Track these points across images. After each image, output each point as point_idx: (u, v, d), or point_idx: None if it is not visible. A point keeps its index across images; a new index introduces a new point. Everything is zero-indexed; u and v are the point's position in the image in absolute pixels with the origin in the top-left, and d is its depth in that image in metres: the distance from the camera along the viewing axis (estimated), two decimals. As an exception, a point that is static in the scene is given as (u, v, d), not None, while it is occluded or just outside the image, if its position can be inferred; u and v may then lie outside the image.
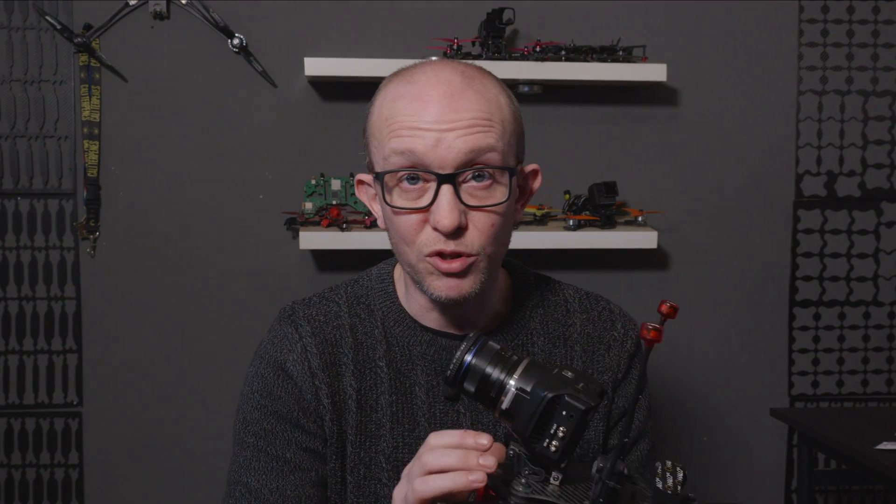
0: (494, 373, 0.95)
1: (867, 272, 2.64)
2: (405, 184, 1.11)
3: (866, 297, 2.64)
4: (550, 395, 0.91)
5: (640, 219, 2.44)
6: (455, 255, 1.10)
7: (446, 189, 1.08)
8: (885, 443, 2.16)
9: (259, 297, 2.42)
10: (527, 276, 1.29)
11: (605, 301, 1.32)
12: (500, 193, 1.12)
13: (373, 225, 2.29)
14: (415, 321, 1.22)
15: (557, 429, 0.90)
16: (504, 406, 0.94)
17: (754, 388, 2.60)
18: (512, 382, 0.94)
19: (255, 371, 1.23)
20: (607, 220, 2.38)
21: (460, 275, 1.11)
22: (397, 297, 1.23)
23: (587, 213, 2.38)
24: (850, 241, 2.62)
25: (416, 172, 1.09)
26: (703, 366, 2.57)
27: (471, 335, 0.97)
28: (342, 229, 2.28)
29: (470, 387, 0.96)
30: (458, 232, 1.09)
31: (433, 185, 1.09)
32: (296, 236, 2.37)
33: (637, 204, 2.51)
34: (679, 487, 0.91)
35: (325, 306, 1.24)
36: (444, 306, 1.18)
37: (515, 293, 1.27)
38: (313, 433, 1.19)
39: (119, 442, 2.41)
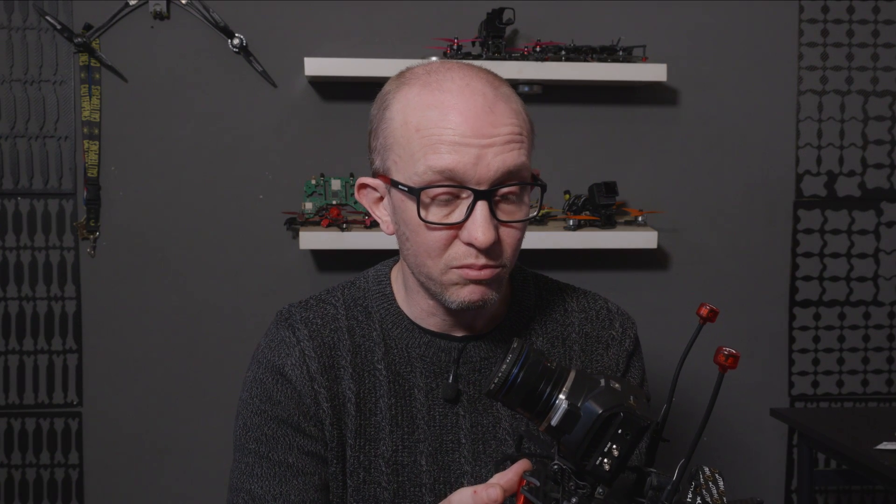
0: (541, 385, 0.90)
1: (867, 272, 2.64)
2: (438, 201, 1.09)
3: (866, 297, 2.64)
4: (606, 412, 0.87)
5: (640, 219, 2.44)
6: (484, 267, 1.10)
7: (482, 205, 1.07)
8: (885, 443, 2.16)
9: (259, 297, 2.42)
10: (525, 276, 1.29)
11: (603, 300, 1.32)
12: (526, 208, 1.12)
13: (373, 225, 2.29)
14: (412, 323, 1.21)
15: (612, 447, 0.86)
16: (554, 423, 0.88)
17: (754, 388, 2.60)
18: (562, 397, 0.89)
19: (254, 376, 1.22)
20: (607, 220, 2.38)
21: (486, 283, 1.11)
22: (395, 299, 1.23)
23: (587, 213, 2.38)
24: (850, 241, 2.62)
25: (455, 190, 1.07)
26: (703, 366, 2.57)
27: (514, 345, 0.92)
28: (342, 229, 2.28)
29: (515, 400, 0.91)
30: (492, 246, 1.09)
31: (467, 201, 1.08)
32: (296, 236, 2.37)
33: (637, 204, 2.51)
34: (724, 498, 0.87)
35: (323, 309, 1.24)
36: (452, 311, 1.17)
37: (514, 294, 1.26)
38: (314, 437, 1.18)
39: (119, 442, 2.41)
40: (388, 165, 1.13)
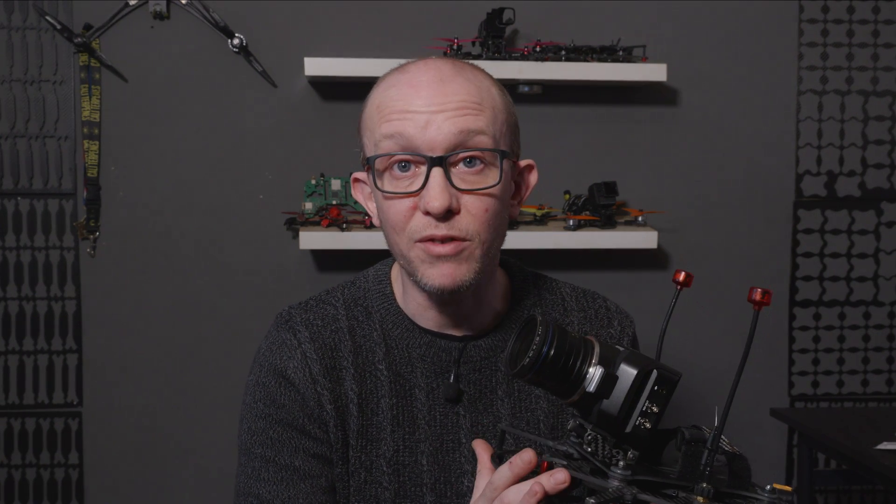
0: (571, 359, 0.90)
1: (867, 272, 2.64)
2: (396, 171, 1.10)
3: (866, 297, 2.64)
4: (642, 371, 0.88)
5: (640, 219, 2.44)
6: (448, 240, 1.09)
7: (437, 172, 1.08)
8: (885, 443, 2.16)
9: (259, 297, 2.42)
10: (524, 274, 1.29)
11: (602, 298, 1.32)
12: (492, 177, 1.11)
13: (373, 225, 2.29)
14: (413, 323, 1.21)
15: (651, 406, 0.87)
16: (592, 389, 0.88)
17: (754, 388, 2.60)
18: (595, 363, 0.89)
19: (256, 380, 1.21)
20: (607, 220, 2.38)
21: (453, 259, 1.10)
22: (395, 299, 1.23)
23: (587, 213, 2.38)
24: (850, 241, 2.62)
25: (406, 156, 1.09)
26: (703, 366, 2.57)
27: (539, 320, 0.91)
28: (342, 229, 2.28)
29: (545, 376, 0.90)
30: (448, 214, 1.08)
31: (424, 170, 1.09)
32: (296, 236, 2.37)
33: (637, 204, 2.51)
34: (734, 447, 0.89)
35: (323, 310, 1.23)
36: (442, 302, 1.17)
37: (513, 292, 1.26)
38: (320, 439, 1.18)
39: (119, 442, 2.41)
40: (364, 152, 1.17)
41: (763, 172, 2.57)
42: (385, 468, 1.18)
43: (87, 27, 2.31)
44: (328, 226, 2.29)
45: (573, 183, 2.44)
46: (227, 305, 2.43)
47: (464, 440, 1.19)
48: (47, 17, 2.30)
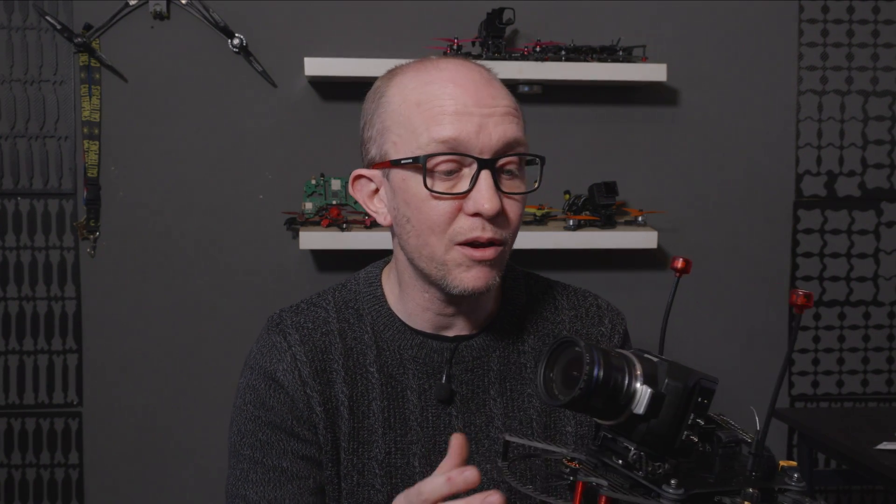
0: (619, 378, 0.85)
1: (867, 272, 2.64)
2: (442, 173, 1.09)
3: (866, 297, 2.64)
4: (687, 387, 0.85)
5: (640, 219, 2.44)
6: (489, 243, 1.10)
7: (486, 174, 1.07)
8: (885, 443, 2.16)
9: (259, 297, 2.42)
10: (515, 274, 1.29)
11: (593, 296, 1.32)
12: (525, 182, 1.13)
13: (373, 225, 2.29)
14: (404, 324, 1.21)
15: (695, 419, 0.85)
16: (641, 411, 0.84)
17: (754, 388, 2.60)
18: (640, 383, 0.85)
19: (247, 382, 1.22)
20: (607, 220, 2.38)
21: (489, 264, 1.11)
22: (386, 301, 1.23)
23: (587, 213, 2.38)
24: (850, 241, 2.62)
25: (458, 159, 1.08)
26: (704, 365, 2.56)
27: (581, 344, 0.86)
28: (342, 229, 2.28)
29: (596, 402, 0.85)
30: (498, 217, 1.09)
31: (471, 172, 1.08)
32: (296, 236, 2.37)
33: (637, 204, 2.51)
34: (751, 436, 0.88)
35: (314, 312, 1.23)
36: (451, 302, 1.17)
37: (504, 291, 1.26)
38: (308, 441, 1.18)
39: (119, 442, 2.41)
40: (386, 149, 1.13)
41: (763, 172, 2.57)
42: (377, 470, 1.18)
43: (87, 27, 2.31)
44: (328, 226, 2.30)
45: (573, 183, 2.44)
46: (227, 305, 2.43)
47: None
48: (47, 17, 2.30)
